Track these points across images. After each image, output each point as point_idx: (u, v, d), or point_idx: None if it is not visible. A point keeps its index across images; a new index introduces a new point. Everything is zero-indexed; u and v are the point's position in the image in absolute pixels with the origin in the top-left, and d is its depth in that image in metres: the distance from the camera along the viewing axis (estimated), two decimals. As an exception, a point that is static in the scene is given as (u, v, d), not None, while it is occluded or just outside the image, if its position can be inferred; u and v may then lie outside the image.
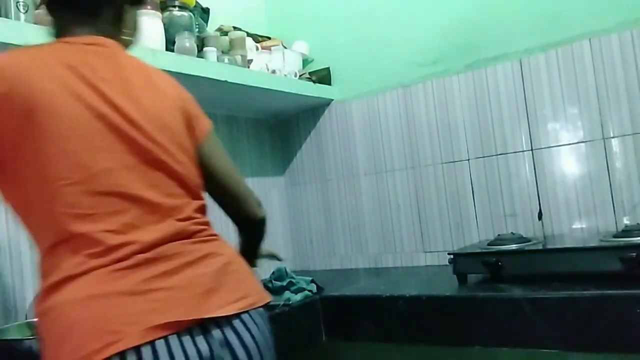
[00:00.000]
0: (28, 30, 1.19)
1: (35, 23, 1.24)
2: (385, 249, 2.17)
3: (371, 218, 2.21)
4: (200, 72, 1.58)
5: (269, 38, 2.26)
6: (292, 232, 2.43)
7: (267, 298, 0.93)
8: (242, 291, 0.88)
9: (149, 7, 1.53)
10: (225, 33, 1.93)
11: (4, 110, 0.81)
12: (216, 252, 0.89)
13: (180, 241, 0.86)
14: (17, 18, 1.21)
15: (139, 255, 0.80)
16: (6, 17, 1.20)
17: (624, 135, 1.72)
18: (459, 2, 2.01)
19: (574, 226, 1.79)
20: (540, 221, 1.85)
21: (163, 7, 1.64)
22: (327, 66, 2.29)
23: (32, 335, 1.17)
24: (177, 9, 1.69)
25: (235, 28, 2.01)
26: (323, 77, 2.25)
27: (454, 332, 1.44)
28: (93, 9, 0.97)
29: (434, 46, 2.07)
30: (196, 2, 1.84)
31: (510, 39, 1.91)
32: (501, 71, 1.92)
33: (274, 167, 2.37)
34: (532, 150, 1.87)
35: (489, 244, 1.63)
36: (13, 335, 1.16)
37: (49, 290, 0.79)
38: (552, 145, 1.84)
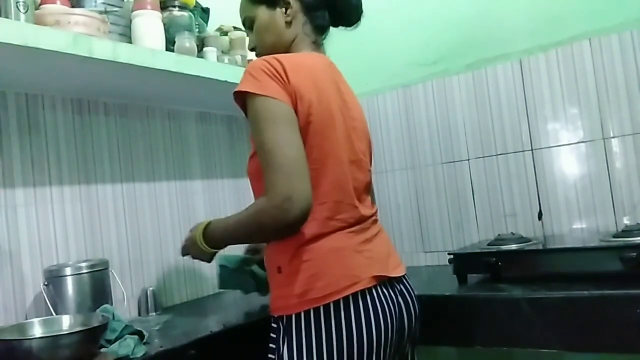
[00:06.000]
0: (28, 30, 1.18)
1: (35, 23, 1.24)
2: (385, 249, 2.16)
3: (371, 218, 2.20)
4: (200, 72, 1.58)
5: (269, 38, 2.25)
6: (292, 232, 2.42)
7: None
8: (398, 259, 1.21)
9: (148, 7, 1.53)
10: (225, 33, 1.92)
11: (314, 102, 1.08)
12: (381, 230, 1.21)
13: (370, 219, 1.17)
14: (17, 18, 1.21)
15: (359, 225, 1.12)
16: (6, 17, 1.19)
17: (624, 135, 1.72)
18: (459, 2, 2.01)
19: (574, 226, 1.79)
20: (540, 221, 1.85)
21: (163, 7, 1.63)
22: (327, 66, 2.29)
23: (33, 335, 1.17)
24: (177, 9, 1.69)
25: (235, 28, 2.00)
26: (323, 77, 2.24)
27: (454, 332, 1.44)
28: (328, 30, 1.27)
29: (434, 46, 2.07)
30: (196, 2, 1.84)
31: (510, 39, 1.91)
32: (501, 71, 1.92)
33: (274, 167, 2.36)
34: (532, 150, 1.87)
35: (489, 244, 1.63)
36: (13, 335, 1.16)
37: (312, 238, 1.06)
38: (552, 145, 1.84)
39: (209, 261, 1.24)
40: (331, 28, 1.29)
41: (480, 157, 1.97)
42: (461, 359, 1.71)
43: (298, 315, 1.03)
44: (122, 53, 1.36)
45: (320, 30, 1.25)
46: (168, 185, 1.86)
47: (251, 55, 1.99)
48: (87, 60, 1.30)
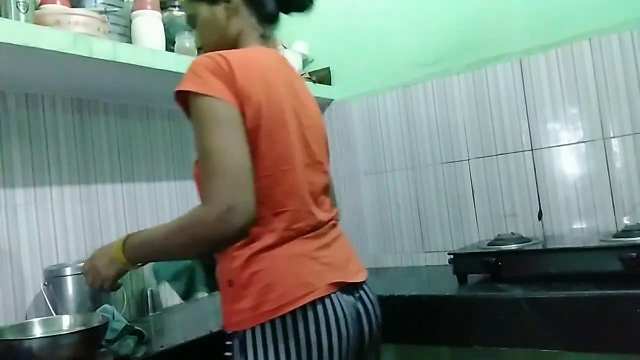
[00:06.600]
0: (28, 30, 1.18)
1: (35, 23, 1.24)
2: (385, 249, 2.17)
3: (371, 218, 2.21)
4: (200, 72, 1.58)
5: (269, 38, 2.26)
6: (292, 232, 2.42)
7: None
8: (359, 264, 1.14)
9: (148, 7, 1.54)
10: (225, 33, 1.93)
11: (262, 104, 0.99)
12: (341, 234, 1.14)
13: (329, 224, 1.10)
14: (17, 18, 1.21)
15: (315, 231, 1.05)
16: (6, 17, 1.20)
17: (624, 135, 1.72)
18: (458, 2, 2.01)
19: (574, 226, 1.79)
20: (540, 221, 1.85)
21: (163, 7, 1.64)
22: (327, 66, 2.29)
23: (33, 335, 1.18)
24: (177, 9, 1.69)
25: (235, 28, 2.01)
26: (323, 77, 2.25)
27: (454, 332, 1.44)
28: (278, 19, 1.18)
29: (434, 46, 2.07)
30: (196, 2, 1.84)
31: (510, 39, 1.91)
32: (501, 71, 1.92)
33: (274, 167, 2.36)
34: (532, 150, 1.87)
35: (489, 244, 1.63)
36: (13, 335, 1.16)
37: (264, 248, 0.99)
38: (552, 145, 1.84)
39: (111, 288, 1.07)
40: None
41: (480, 157, 1.97)
42: (461, 359, 1.71)
43: (253, 330, 0.97)
44: (122, 53, 1.36)
45: (269, 20, 1.16)
46: (168, 185, 1.86)
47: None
48: (87, 60, 1.30)
